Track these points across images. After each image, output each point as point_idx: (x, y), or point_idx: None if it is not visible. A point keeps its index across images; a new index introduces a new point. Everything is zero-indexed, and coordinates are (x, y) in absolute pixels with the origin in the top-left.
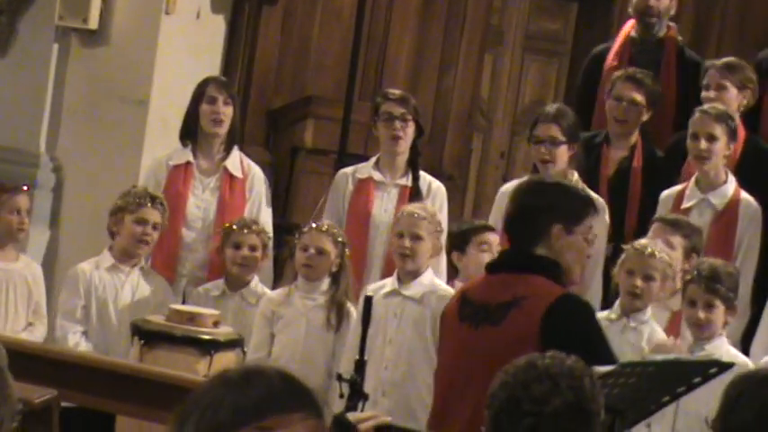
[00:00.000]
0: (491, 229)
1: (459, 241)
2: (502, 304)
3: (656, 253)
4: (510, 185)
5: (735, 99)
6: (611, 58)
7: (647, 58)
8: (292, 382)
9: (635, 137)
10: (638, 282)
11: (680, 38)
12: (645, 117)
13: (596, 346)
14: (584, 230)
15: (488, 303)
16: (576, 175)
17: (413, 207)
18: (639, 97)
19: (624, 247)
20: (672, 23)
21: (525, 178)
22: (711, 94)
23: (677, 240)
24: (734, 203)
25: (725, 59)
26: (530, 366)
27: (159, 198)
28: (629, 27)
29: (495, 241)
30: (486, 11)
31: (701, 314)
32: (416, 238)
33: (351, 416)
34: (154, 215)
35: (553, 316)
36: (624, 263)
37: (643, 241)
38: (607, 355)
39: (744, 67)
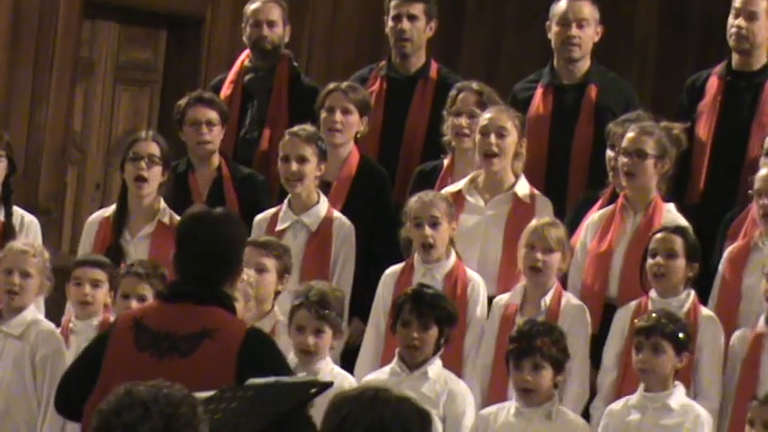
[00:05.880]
0: (84, 263)
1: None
2: (190, 335)
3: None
4: (96, 215)
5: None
6: (225, 88)
7: (260, 85)
8: None
9: (216, 158)
10: None
11: (296, 64)
12: (220, 136)
13: (289, 370)
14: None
15: (173, 333)
16: (162, 202)
17: (21, 244)
18: (214, 116)
19: None
20: (286, 51)
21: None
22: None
23: (270, 262)
24: (327, 223)
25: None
26: (125, 394)
27: None
28: (244, 56)
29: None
30: (76, 42)
31: (311, 340)
32: (26, 275)
33: None
34: None
35: (249, 349)
36: None
37: None
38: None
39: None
